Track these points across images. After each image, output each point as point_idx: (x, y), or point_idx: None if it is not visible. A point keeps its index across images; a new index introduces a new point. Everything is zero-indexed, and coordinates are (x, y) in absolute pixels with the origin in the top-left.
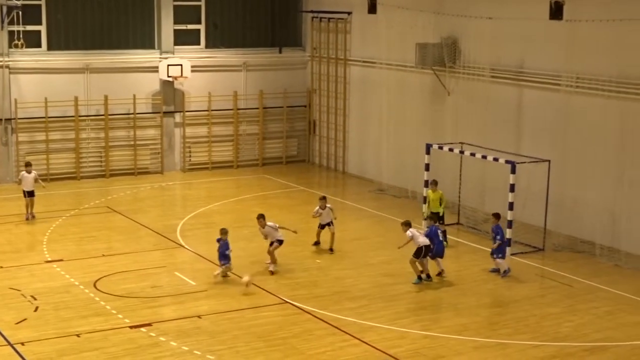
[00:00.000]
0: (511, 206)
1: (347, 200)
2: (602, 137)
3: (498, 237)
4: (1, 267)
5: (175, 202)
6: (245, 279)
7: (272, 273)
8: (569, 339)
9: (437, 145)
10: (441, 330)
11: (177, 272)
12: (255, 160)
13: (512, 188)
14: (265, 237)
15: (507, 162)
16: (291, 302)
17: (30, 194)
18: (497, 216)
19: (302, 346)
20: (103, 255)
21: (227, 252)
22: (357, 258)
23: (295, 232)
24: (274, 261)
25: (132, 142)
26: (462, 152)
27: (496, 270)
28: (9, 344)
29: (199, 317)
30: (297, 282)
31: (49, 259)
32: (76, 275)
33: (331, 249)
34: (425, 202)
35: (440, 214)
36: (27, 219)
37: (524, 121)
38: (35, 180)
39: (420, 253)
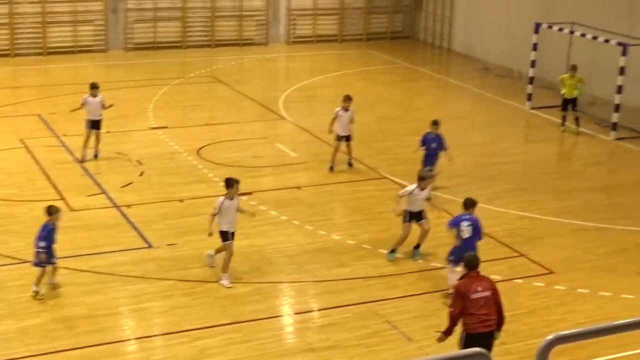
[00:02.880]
0: (620, 89)
1: (451, 79)
2: None
3: (433, 144)
4: (108, 132)
5: (279, 74)
6: None
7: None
8: None
9: (546, 25)
10: (539, 212)
11: (278, 144)
12: (359, 35)
13: (621, 71)
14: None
15: (618, 44)
16: (390, 177)
17: (95, 125)
18: (435, 123)
19: (399, 220)
20: (207, 124)
21: (50, 244)
22: (458, 137)
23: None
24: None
25: (238, 13)
26: (572, 32)
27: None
28: (115, 206)
29: (298, 188)
30: (395, 158)
31: (154, 126)
32: (180, 142)
33: (350, 163)
34: (563, 87)
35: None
36: (81, 161)
37: (638, 1)
38: (103, 107)
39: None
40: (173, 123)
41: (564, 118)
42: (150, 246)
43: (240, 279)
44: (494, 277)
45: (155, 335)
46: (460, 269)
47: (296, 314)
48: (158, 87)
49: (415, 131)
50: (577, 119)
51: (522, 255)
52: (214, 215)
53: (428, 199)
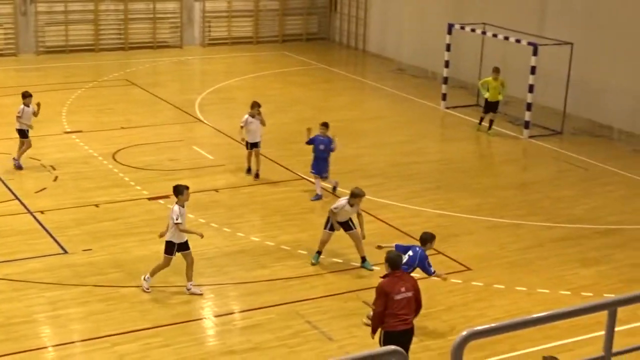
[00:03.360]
0: (531, 89)
1: (366, 79)
2: (627, 19)
3: (321, 146)
4: None
5: (194, 77)
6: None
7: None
8: (582, 221)
9: (459, 25)
10: (456, 210)
11: (195, 146)
12: (275, 37)
13: (533, 70)
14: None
15: (529, 43)
16: (308, 178)
17: (25, 134)
18: (324, 125)
19: (317, 221)
20: (122, 128)
21: None
22: (375, 137)
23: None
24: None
25: (151, 15)
26: (484, 32)
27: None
28: (29, 212)
29: (216, 190)
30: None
31: (68, 130)
32: (95, 146)
33: (257, 175)
34: (486, 90)
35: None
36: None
37: (549, 2)
38: (34, 114)
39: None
40: (87, 127)
41: (482, 119)
42: (65, 252)
43: (159, 284)
44: (413, 275)
45: (73, 342)
46: None
47: (216, 316)
48: (71, 91)
49: (332, 132)
50: (491, 122)
51: (439, 252)
52: (178, 224)
53: (359, 214)
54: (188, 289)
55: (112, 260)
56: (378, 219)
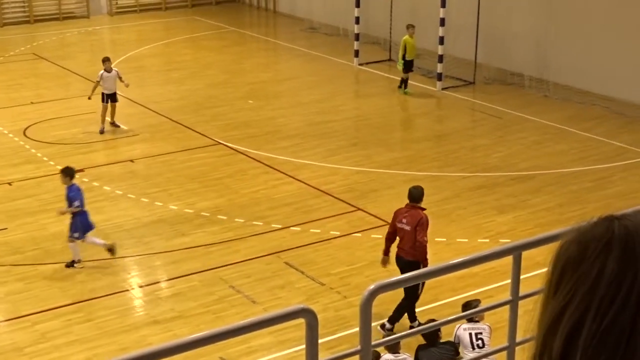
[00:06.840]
0: (442, 40)
1: (278, 40)
2: None
3: (76, 203)
4: None
5: (104, 47)
6: None
7: None
8: (497, 169)
9: None
10: (373, 165)
11: (108, 118)
12: (184, 2)
13: (442, 22)
14: None
15: None
16: (224, 142)
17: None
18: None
19: (236, 185)
20: (32, 103)
21: None
22: (289, 97)
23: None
24: None
25: None
26: None
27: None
28: None
29: (131, 161)
30: (228, 123)
31: None
32: (4, 123)
33: (113, 123)
34: (403, 51)
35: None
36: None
37: None
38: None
39: None
40: None
41: (403, 81)
42: None
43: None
44: (333, 232)
45: None
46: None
47: (139, 287)
48: None
49: (246, 95)
50: (407, 80)
51: (359, 209)
52: None
53: None
54: None
55: (29, 238)
56: (297, 179)
